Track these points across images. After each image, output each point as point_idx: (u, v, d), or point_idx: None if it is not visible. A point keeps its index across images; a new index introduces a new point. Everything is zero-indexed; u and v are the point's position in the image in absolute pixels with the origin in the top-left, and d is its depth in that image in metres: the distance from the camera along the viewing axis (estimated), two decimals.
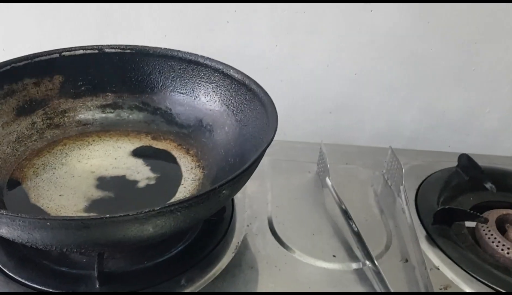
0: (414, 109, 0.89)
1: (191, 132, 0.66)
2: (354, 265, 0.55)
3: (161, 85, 0.68)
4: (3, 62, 0.61)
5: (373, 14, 0.79)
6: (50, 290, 0.48)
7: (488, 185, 0.68)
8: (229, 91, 0.64)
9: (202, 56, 0.66)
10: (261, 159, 0.49)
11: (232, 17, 0.79)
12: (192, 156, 0.63)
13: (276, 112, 0.55)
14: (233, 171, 0.57)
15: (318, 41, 0.82)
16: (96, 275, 0.48)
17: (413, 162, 0.73)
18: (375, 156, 0.74)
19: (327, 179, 0.64)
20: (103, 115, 0.68)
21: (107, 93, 0.68)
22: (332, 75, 0.85)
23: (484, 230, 0.62)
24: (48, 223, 0.39)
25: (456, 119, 0.90)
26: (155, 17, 0.79)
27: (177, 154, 0.64)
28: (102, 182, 0.58)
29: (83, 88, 0.67)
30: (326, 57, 0.84)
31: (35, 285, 0.48)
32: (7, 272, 0.50)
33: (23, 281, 0.49)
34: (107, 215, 0.39)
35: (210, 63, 0.65)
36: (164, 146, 0.65)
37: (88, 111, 0.67)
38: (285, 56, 0.83)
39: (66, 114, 0.66)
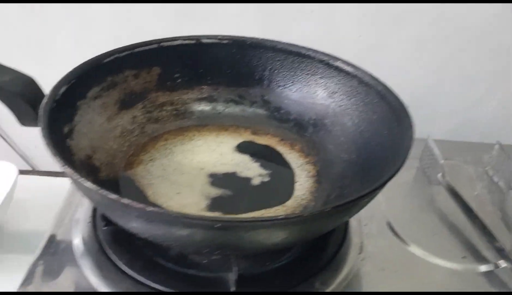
0: (494, 102, 0.86)
1: (292, 127, 0.64)
2: (485, 267, 0.53)
3: (258, 78, 0.66)
4: (107, 52, 0.58)
5: (464, 5, 0.76)
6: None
7: None
8: (335, 84, 0.62)
9: (304, 47, 0.64)
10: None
11: (317, 6, 0.77)
12: (298, 152, 0.61)
13: (402, 103, 0.53)
14: (352, 168, 0.56)
15: (404, 32, 0.79)
16: (235, 278, 0.45)
17: None
18: (473, 150, 0.71)
19: (439, 175, 0.62)
20: (199, 109, 0.65)
21: (202, 86, 0.66)
22: (415, 67, 0.83)
23: None
24: (219, 224, 0.37)
25: None
26: (235, 5, 0.77)
27: (282, 149, 0.61)
28: (215, 179, 0.56)
29: (179, 80, 0.65)
30: (411, 48, 0.81)
31: (167, 289, 0.46)
32: (134, 275, 0.47)
33: (152, 284, 0.46)
34: (282, 216, 0.37)
35: (313, 55, 0.63)
36: (267, 141, 0.63)
37: (185, 105, 0.65)
38: (368, 47, 0.81)
39: (164, 108, 0.64)
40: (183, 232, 0.38)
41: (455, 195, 0.59)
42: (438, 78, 0.83)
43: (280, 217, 0.37)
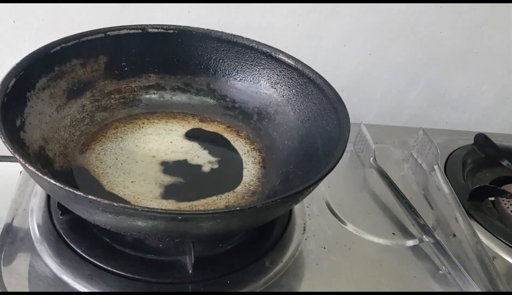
0: (419, 87, 0.94)
1: (237, 115, 0.67)
2: (411, 242, 0.59)
3: (204, 67, 0.68)
4: (53, 42, 0.58)
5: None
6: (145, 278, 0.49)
7: (505, 162, 0.75)
8: (277, 75, 0.66)
9: (248, 39, 0.67)
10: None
11: None
12: (244, 139, 0.65)
13: (339, 96, 0.58)
14: (295, 155, 0.60)
15: (338, 21, 0.84)
16: (193, 261, 0.49)
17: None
18: (400, 135, 0.78)
19: (371, 159, 0.68)
20: (147, 96, 0.67)
21: (150, 74, 0.68)
22: (348, 54, 0.88)
23: (506, 204, 0.68)
24: (179, 217, 0.40)
25: (455, 98, 0.96)
26: None
27: (229, 136, 0.65)
28: (167, 167, 0.58)
29: (126, 69, 0.66)
30: (344, 37, 0.86)
31: (129, 274, 0.49)
32: (97, 263, 0.49)
33: (113, 270, 0.49)
34: (237, 208, 0.41)
35: (256, 46, 0.66)
36: (214, 128, 0.66)
37: (133, 93, 0.66)
38: (306, 35, 0.85)
39: (112, 96, 0.65)
40: (148, 224, 0.41)
41: (385, 177, 0.65)
42: (370, 65, 0.89)
43: (235, 209, 0.41)
